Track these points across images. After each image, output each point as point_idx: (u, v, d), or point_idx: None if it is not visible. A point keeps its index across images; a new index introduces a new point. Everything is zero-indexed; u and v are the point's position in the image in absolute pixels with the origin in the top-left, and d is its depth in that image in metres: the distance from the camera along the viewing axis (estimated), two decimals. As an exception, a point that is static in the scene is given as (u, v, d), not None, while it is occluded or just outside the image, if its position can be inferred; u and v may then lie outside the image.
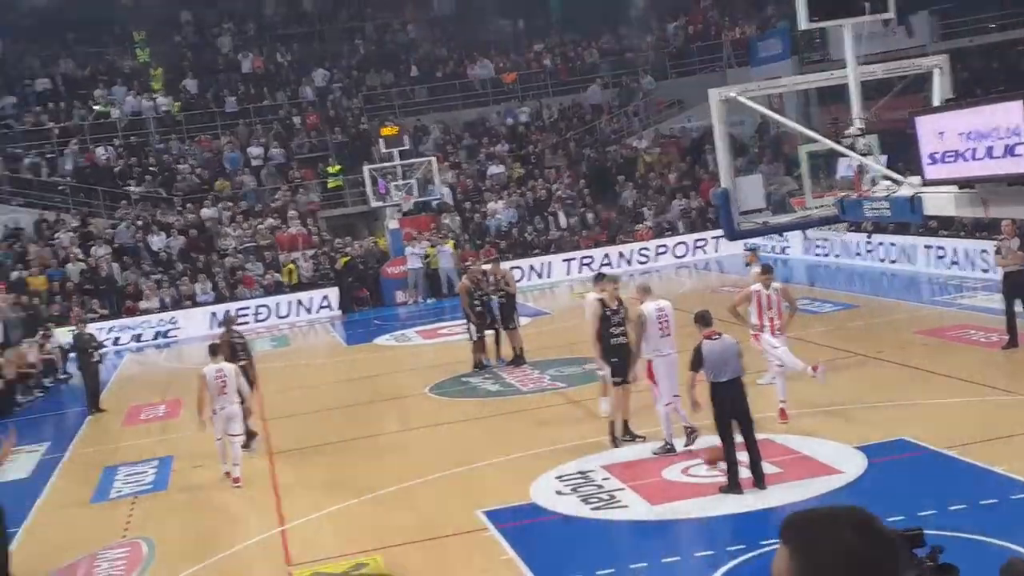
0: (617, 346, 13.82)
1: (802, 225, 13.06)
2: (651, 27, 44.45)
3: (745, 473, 11.58)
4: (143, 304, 31.16)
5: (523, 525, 11.56)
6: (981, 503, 10.47)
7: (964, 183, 8.84)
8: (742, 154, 31.46)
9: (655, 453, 13.32)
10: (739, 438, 11.53)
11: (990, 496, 10.34)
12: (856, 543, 2.18)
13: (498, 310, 20.37)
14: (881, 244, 27.06)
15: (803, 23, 10.78)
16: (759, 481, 11.52)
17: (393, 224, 33.25)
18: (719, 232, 32.09)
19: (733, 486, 11.50)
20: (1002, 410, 13.67)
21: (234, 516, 13.41)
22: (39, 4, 41.98)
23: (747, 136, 34.82)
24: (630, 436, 13.95)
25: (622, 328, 13.85)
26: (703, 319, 11.94)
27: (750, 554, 9.90)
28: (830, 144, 11.52)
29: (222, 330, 17.58)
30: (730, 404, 11.43)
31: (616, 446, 13.81)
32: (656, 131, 39.66)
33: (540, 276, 33.26)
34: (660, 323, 13.23)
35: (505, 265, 23.16)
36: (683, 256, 33.90)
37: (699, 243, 33.94)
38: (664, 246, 34.13)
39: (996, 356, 16.61)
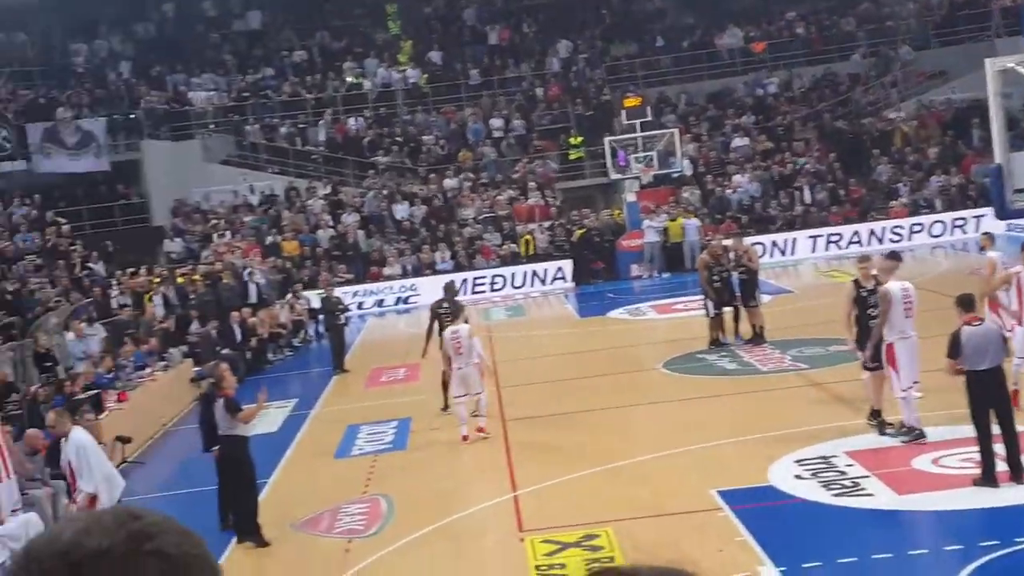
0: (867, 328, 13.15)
1: (1080, 206, 12.08)
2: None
3: (1002, 466, 10.85)
4: (386, 270, 32.24)
5: (759, 507, 11.25)
6: None
7: None
8: (1011, 128, 29.52)
9: (904, 442, 12.64)
10: (996, 429, 10.80)
11: None
12: None
13: (739, 287, 19.87)
14: None
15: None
16: (1017, 475, 10.78)
17: (631, 197, 33.06)
18: (979, 211, 30.49)
19: (988, 479, 10.80)
20: None
21: (469, 479, 13.65)
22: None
23: (1016, 109, 32.62)
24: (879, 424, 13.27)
25: (878, 310, 13.07)
26: (965, 303, 11.16)
27: (1003, 551, 9.38)
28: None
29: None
30: (989, 393, 10.70)
31: (882, 433, 13.06)
32: (917, 103, 37.71)
33: (783, 253, 32.32)
34: (905, 303, 12.52)
35: (747, 241, 22.56)
36: (939, 235, 32.22)
37: (958, 222, 32.18)
38: (919, 224, 32.54)
39: None
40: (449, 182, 35.97)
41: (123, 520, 1.22)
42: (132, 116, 35.68)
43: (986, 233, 17.20)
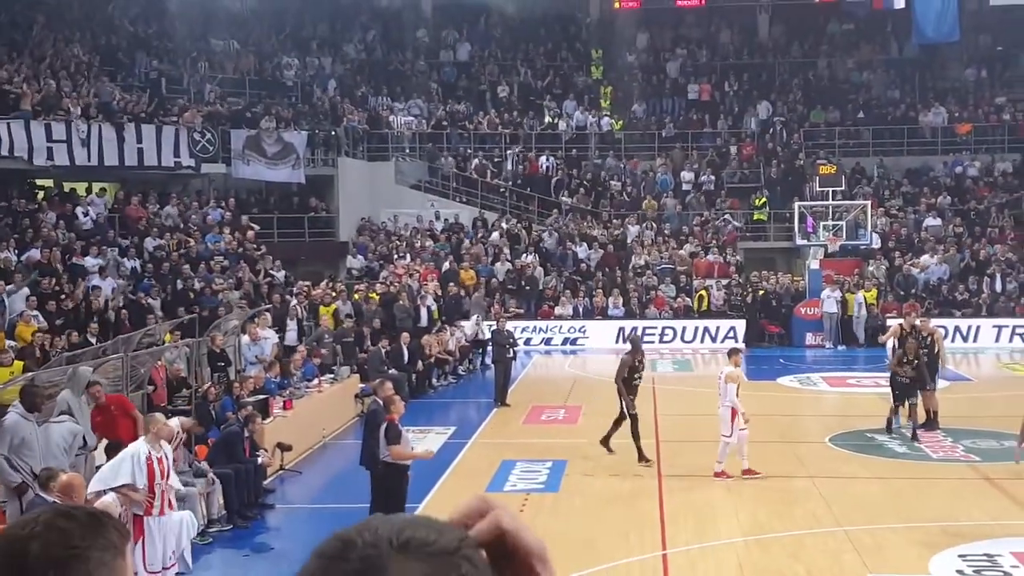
0: None
1: None
2: None
3: None
4: (558, 310, 32.47)
5: None
6: None
7: None
8: None
9: None
10: None
11: None
12: None
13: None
14: None
15: None
16: None
17: (814, 264, 32.49)
18: None
19: None
20: None
21: (619, 530, 13.55)
22: (508, 12, 44.86)
23: None
24: None
25: None
26: None
27: None
28: None
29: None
30: None
31: None
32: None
33: (965, 340, 31.17)
34: None
35: (932, 323, 21.84)
36: None
37: None
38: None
39: None
40: (631, 228, 36.06)
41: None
42: (333, 133, 37.09)
43: None
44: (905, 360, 18.72)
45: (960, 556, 12.05)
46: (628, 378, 16.46)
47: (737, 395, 15.72)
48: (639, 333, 19.46)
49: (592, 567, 11.96)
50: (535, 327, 31.94)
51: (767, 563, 12.07)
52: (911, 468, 16.66)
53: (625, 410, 16.70)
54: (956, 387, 23.73)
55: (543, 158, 39.05)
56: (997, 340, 31.09)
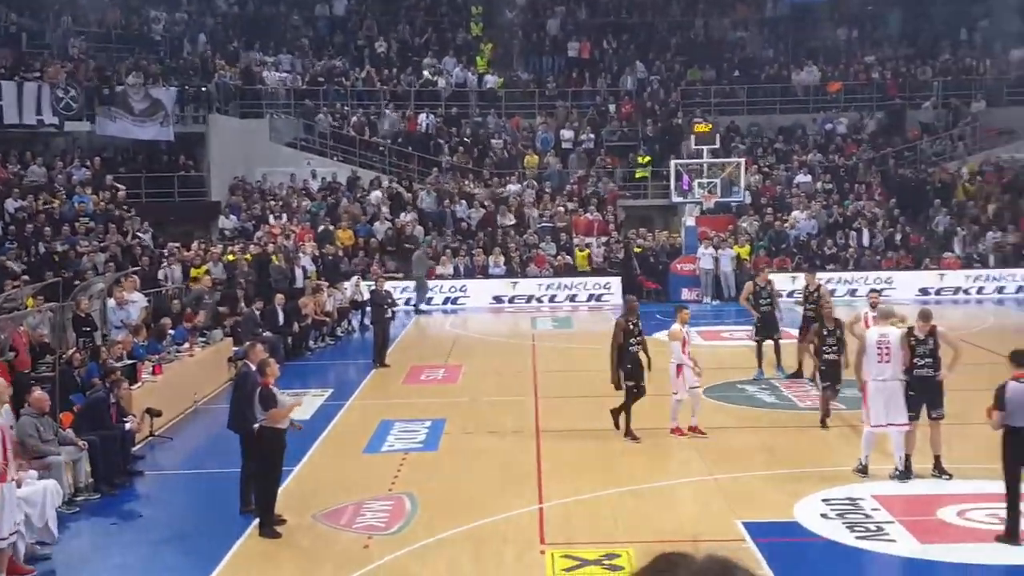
0: (919, 377, 13.29)
1: None
2: (994, 51, 41.77)
3: None
4: (438, 269, 32.35)
5: (782, 542, 11.28)
6: None
7: None
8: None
9: (853, 471, 13.25)
10: None
11: None
12: None
13: (802, 322, 20.00)
14: None
15: None
16: (1013, 535, 10.85)
17: (690, 221, 32.98)
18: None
19: (1012, 536, 10.88)
20: None
21: (496, 487, 13.59)
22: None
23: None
24: (938, 472, 13.28)
25: (928, 360, 13.29)
26: (1017, 358, 11.21)
27: None
28: None
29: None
30: (1021, 451, 10.75)
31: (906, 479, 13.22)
32: (983, 158, 37.33)
33: (833, 294, 31.97)
34: (879, 348, 13.21)
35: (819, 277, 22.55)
36: (991, 291, 31.94)
37: (1010, 278, 32.10)
38: (973, 277, 32.36)
39: None
40: (511, 187, 36.06)
41: None
42: (203, 89, 36.10)
43: None
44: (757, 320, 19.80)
45: (824, 500, 12.46)
46: (624, 344, 15.61)
47: (685, 351, 15.63)
48: (632, 296, 18.97)
49: (470, 523, 11.98)
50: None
51: (640, 513, 12.26)
52: (780, 417, 17.12)
53: (616, 382, 15.77)
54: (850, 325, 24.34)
55: (422, 116, 38.71)
56: (866, 293, 31.92)
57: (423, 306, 30.88)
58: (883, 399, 13.18)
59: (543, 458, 14.79)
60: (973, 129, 38.90)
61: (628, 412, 15.65)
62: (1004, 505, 11.03)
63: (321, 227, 32.76)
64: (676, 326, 15.93)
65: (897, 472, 13.13)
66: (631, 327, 15.75)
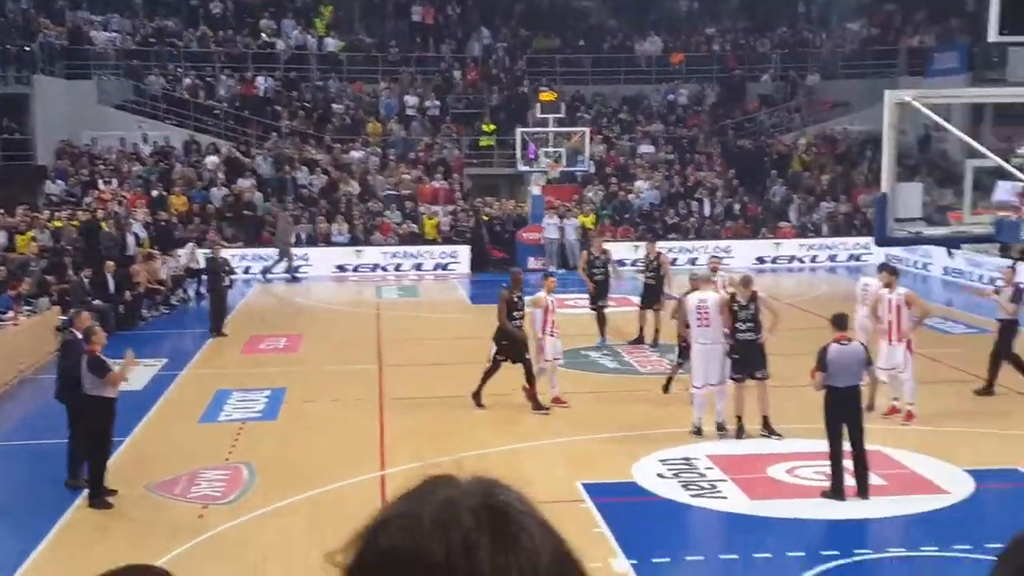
0: (742, 341, 13.73)
1: (955, 240, 12.58)
2: (830, 25, 43.13)
3: (850, 482, 11.46)
4: (279, 237, 31.66)
5: (620, 502, 11.56)
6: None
7: None
8: (900, 164, 30.31)
9: (689, 432, 13.73)
10: (847, 446, 11.42)
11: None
12: None
13: (644, 290, 20.26)
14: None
15: (992, 34, 10.30)
16: (863, 491, 11.40)
17: (536, 190, 33.07)
18: (863, 239, 31.38)
19: (836, 492, 11.40)
20: None
21: (337, 455, 13.39)
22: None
23: (909, 146, 33.53)
24: (767, 432, 13.71)
25: (750, 324, 13.75)
26: (837, 322, 11.88)
27: (842, 561, 9.92)
28: (999, 162, 11.02)
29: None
30: (845, 410, 11.31)
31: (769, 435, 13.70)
32: (818, 130, 38.56)
33: (674, 263, 32.59)
34: (699, 314, 13.77)
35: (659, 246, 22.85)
36: (824, 260, 33.10)
37: (841, 247, 33.26)
38: (807, 246, 33.43)
39: None
40: (355, 154, 35.51)
41: None
42: (27, 48, 34.36)
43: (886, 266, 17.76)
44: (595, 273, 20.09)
45: (661, 461, 12.84)
46: (508, 317, 15.32)
47: (547, 319, 15.41)
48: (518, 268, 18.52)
49: (310, 491, 11.82)
50: (254, 255, 31.00)
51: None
52: (621, 382, 17.40)
53: (490, 356, 15.35)
54: (666, 305, 24.78)
55: (260, 79, 37.74)
56: (707, 261, 32.61)
57: (296, 274, 30.25)
58: (704, 361, 13.67)
59: (386, 426, 14.70)
60: (809, 101, 40.12)
61: (485, 380, 15.36)
62: (829, 463, 11.49)
63: (155, 192, 31.64)
64: (541, 294, 15.88)
65: (715, 428, 13.71)
66: (515, 300, 15.53)
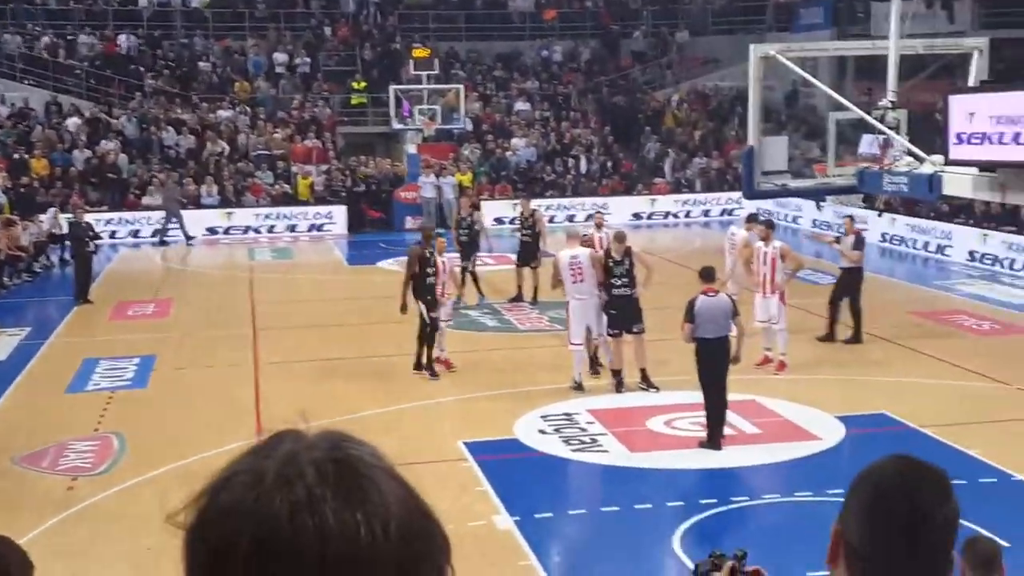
0: (617, 296, 13.85)
1: (821, 192, 12.90)
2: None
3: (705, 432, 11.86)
4: (145, 200, 30.75)
5: (502, 459, 11.62)
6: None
7: (986, 166, 8.58)
8: (769, 120, 30.91)
9: (569, 387, 13.76)
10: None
11: (959, 477, 9.85)
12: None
13: (521, 247, 20.21)
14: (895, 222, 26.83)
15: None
16: (713, 440, 11.68)
17: (412, 149, 32.76)
18: (735, 194, 31.91)
19: (713, 441, 11.73)
20: (981, 396, 13.90)
21: (211, 422, 13.09)
22: None
23: (776, 101, 34.18)
24: (645, 384, 13.84)
25: (625, 280, 13.85)
26: (705, 274, 12.24)
27: (719, 509, 10.20)
28: (861, 114, 11.32)
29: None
30: (715, 361, 11.65)
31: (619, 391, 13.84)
32: (690, 86, 39.02)
33: (552, 220, 32.72)
34: (572, 270, 13.80)
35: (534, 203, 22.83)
36: (698, 215, 33.64)
37: (714, 202, 33.77)
38: (682, 201, 33.86)
39: (983, 343, 16.80)
40: (223, 113, 34.59)
41: None
42: None
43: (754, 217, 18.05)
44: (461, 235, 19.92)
45: (542, 417, 12.94)
46: (420, 273, 14.66)
47: (438, 281, 14.84)
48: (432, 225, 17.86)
49: (183, 459, 11.52)
50: (120, 219, 30.05)
51: (364, 439, 12.05)
52: (501, 340, 17.38)
53: (404, 308, 14.82)
54: (545, 262, 24.89)
55: (122, 37, 36.40)
56: (585, 218, 32.84)
57: (166, 238, 29.43)
58: (581, 316, 13.79)
59: (262, 391, 14.43)
60: (680, 58, 40.52)
61: (429, 346, 14.81)
62: (704, 414, 11.81)
63: (15, 156, 30.35)
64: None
65: (576, 384, 13.77)
66: (427, 255, 14.82)
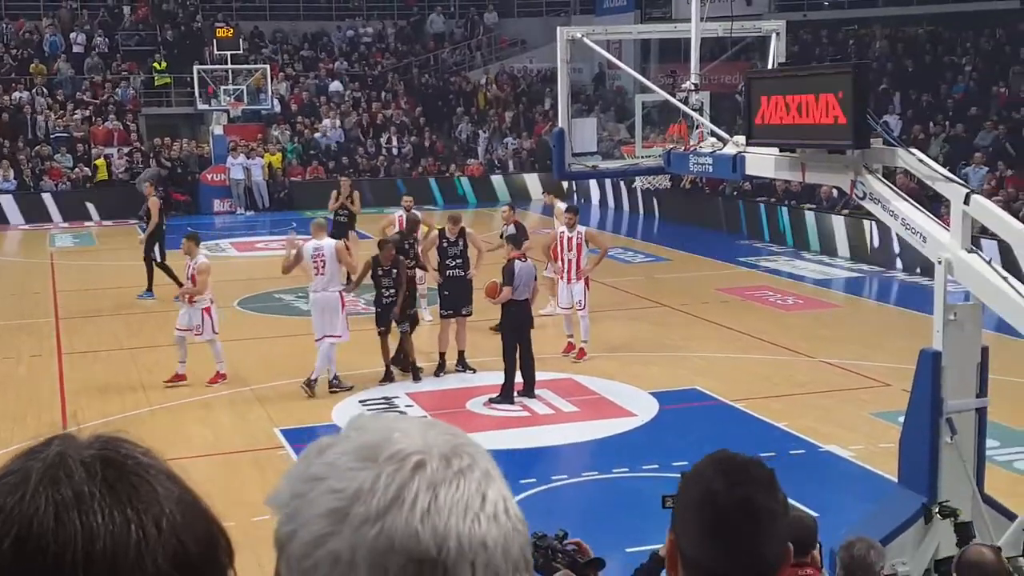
0: (450, 278, 13.88)
1: (629, 172, 13.26)
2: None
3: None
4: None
5: None
6: (761, 455, 10.64)
7: (786, 147, 8.98)
8: (578, 100, 31.52)
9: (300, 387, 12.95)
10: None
11: (769, 449, 10.47)
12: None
13: (333, 227, 19.84)
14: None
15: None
16: (529, 389, 12.65)
17: (218, 130, 32.01)
18: (546, 174, 32.42)
19: (506, 397, 12.50)
20: (787, 369, 14.32)
21: (13, 415, 12.58)
22: None
23: (584, 83, 34.92)
24: (462, 366, 13.94)
25: (459, 261, 13.88)
26: (513, 240, 13.29)
27: (540, 488, 10.27)
28: (665, 96, 11.66)
29: None
30: (520, 320, 12.55)
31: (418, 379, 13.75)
32: (499, 67, 39.39)
33: (366, 204, 32.52)
34: (314, 261, 13.18)
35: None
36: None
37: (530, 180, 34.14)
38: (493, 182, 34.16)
39: (787, 318, 17.39)
40: (19, 95, 33.00)
41: None
42: None
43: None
44: None
45: (360, 401, 12.87)
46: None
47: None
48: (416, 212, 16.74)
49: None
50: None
51: (175, 429, 11.85)
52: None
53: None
54: (360, 244, 24.75)
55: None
56: (398, 201, 32.67)
57: None
58: (319, 310, 13.20)
59: (67, 382, 13.97)
60: (489, 39, 40.83)
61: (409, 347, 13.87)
62: (503, 371, 12.53)
63: None
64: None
65: (311, 382, 12.94)
66: (407, 246, 14.10)
